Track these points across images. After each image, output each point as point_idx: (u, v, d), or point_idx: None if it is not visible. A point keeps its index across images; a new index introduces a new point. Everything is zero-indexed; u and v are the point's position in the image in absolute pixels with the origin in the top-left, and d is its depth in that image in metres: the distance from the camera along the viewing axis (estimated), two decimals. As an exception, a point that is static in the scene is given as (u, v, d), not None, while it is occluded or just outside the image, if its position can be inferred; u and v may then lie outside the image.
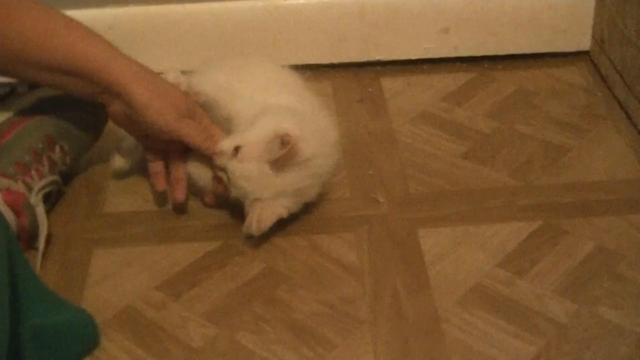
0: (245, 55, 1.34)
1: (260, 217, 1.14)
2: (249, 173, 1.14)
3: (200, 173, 1.23)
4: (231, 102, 1.22)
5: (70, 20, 1.16)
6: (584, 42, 1.62)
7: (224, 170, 1.16)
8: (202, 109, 1.22)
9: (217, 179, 1.19)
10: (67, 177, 1.31)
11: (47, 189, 1.22)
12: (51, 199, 1.26)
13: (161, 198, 1.29)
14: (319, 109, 1.26)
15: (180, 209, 1.26)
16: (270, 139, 1.13)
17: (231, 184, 1.16)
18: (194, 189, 1.26)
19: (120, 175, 1.33)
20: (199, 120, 1.19)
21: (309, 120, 1.20)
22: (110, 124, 1.35)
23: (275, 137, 1.12)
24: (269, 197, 1.15)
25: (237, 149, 1.14)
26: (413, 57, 1.62)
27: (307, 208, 1.23)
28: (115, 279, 1.16)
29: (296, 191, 1.17)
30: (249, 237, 1.18)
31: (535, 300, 1.09)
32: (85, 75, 1.14)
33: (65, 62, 1.14)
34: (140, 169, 1.33)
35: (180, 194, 1.23)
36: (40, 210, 1.18)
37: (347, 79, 1.59)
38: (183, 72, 1.25)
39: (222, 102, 1.22)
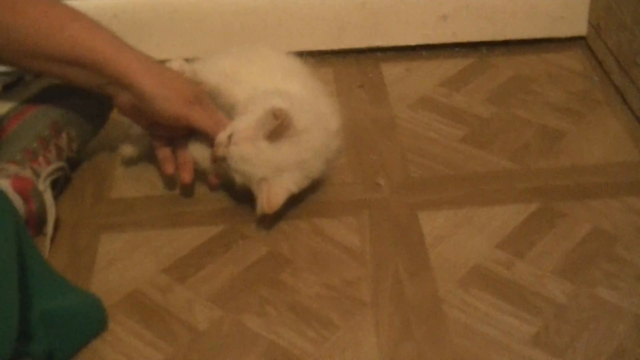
0: (248, 43, 1.35)
1: (269, 194, 1.16)
2: (245, 153, 1.16)
3: (202, 155, 1.25)
4: (235, 90, 1.23)
5: (77, 12, 1.17)
6: (581, 28, 1.63)
7: (224, 159, 1.18)
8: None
9: (214, 160, 1.21)
10: (74, 163, 1.32)
11: (54, 175, 1.23)
12: (58, 185, 1.27)
13: (169, 182, 1.30)
14: (322, 96, 1.28)
15: (187, 191, 1.28)
16: (261, 116, 1.15)
17: (232, 171, 1.18)
18: (198, 172, 1.27)
19: (129, 162, 1.34)
20: (205, 106, 1.21)
21: (305, 101, 1.22)
22: (116, 112, 1.37)
23: (267, 113, 1.14)
24: (272, 174, 1.16)
25: (230, 137, 1.16)
26: (412, 44, 1.63)
27: (310, 191, 1.25)
28: (122, 263, 1.17)
29: (297, 165, 1.17)
30: (263, 217, 1.19)
31: (534, 282, 1.11)
32: (91, 67, 1.15)
33: (72, 54, 1.15)
34: (146, 156, 1.34)
35: (187, 176, 1.25)
36: (48, 196, 1.19)
37: (348, 66, 1.60)
38: (187, 60, 1.26)
39: (226, 90, 1.23)
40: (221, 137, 1.17)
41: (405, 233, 1.20)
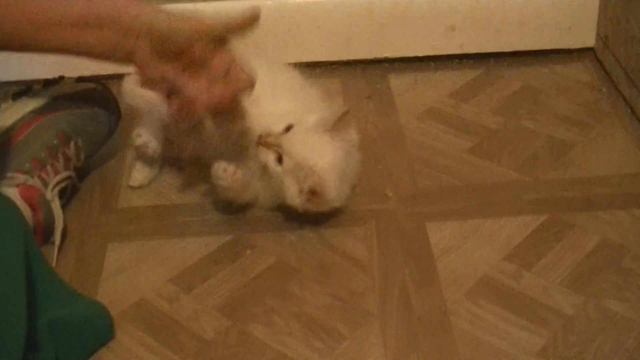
0: (254, 55, 1.35)
1: (323, 179, 1.16)
2: (305, 139, 1.17)
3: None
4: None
5: None
6: (589, 39, 1.63)
7: (276, 145, 1.18)
8: None
9: (258, 143, 1.20)
10: (82, 173, 1.33)
11: (62, 185, 1.23)
12: (66, 194, 1.27)
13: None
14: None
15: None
16: (326, 114, 1.18)
17: (285, 153, 1.17)
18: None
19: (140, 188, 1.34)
20: None
21: None
22: (124, 121, 1.37)
23: (335, 109, 1.18)
24: (324, 167, 1.16)
25: (288, 128, 1.18)
26: (420, 55, 1.63)
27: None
28: (129, 272, 1.17)
29: (343, 174, 1.18)
30: (290, 206, 1.19)
31: (541, 293, 1.11)
32: (104, 22, 1.13)
33: (85, 13, 1.12)
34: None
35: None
36: (56, 205, 1.20)
37: (355, 77, 1.60)
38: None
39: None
40: (275, 128, 1.19)
41: (413, 244, 1.20)
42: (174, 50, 1.16)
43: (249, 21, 1.17)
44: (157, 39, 1.14)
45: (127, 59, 1.17)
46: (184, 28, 1.14)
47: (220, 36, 1.17)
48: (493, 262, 1.16)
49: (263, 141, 1.19)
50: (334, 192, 1.17)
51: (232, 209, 1.27)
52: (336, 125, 1.17)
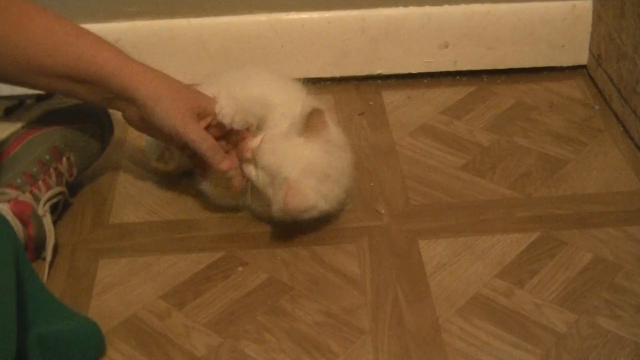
0: (246, 68, 1.36)
1: (292, 191, 1.14)
2: (278, 147, 1.17)
3: None
4: (275, 115, 1.24)
5: (80, 28, 1.17)
6: (582, 57, 1.63)
7: (252, 161, 1.20)
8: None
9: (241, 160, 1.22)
10: (74, 188, 1.32)
11: (54, 200, 1.23)
12: (58, 210, 1.27)
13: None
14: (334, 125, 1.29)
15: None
16: (298, 115, 1.17)
17: (260, 167, 1.18)
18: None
19: (168, 176, 1.34)
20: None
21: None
22: (116, 136, 1.37)
23: (304, 109, 1.17)
24: (298, 175, 1.15)
25: (262, 138, 1.19)
26: (413, 71, 1.63)
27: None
28: (121, 288, 1.17)
29: (324, 176, 1.17)
30: (279, 218, 1.19)
31: (534, 311, 1.10)
32: (96, 82, 1.15)
33: (77, 70, 1.15)
34: (145, 180, 1.35)
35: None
36: (48, 220, 1.19)
37: (348, 93, 1.60)
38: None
39: (261, 115, 1.24)
40: (254, 141, 1.19)
41: (405, 261, 1.20)
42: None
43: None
44: (144, 117, 1.17)
45: (117, 110, 1.20)
46: (168, 125, 1.16)
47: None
48: (485, 280, 1.16)
49: (243, 158, 1.20)
50: (313, 198, 1.17)
51: (225, 226, 1.27)
52: (308, 126, 1.17)
